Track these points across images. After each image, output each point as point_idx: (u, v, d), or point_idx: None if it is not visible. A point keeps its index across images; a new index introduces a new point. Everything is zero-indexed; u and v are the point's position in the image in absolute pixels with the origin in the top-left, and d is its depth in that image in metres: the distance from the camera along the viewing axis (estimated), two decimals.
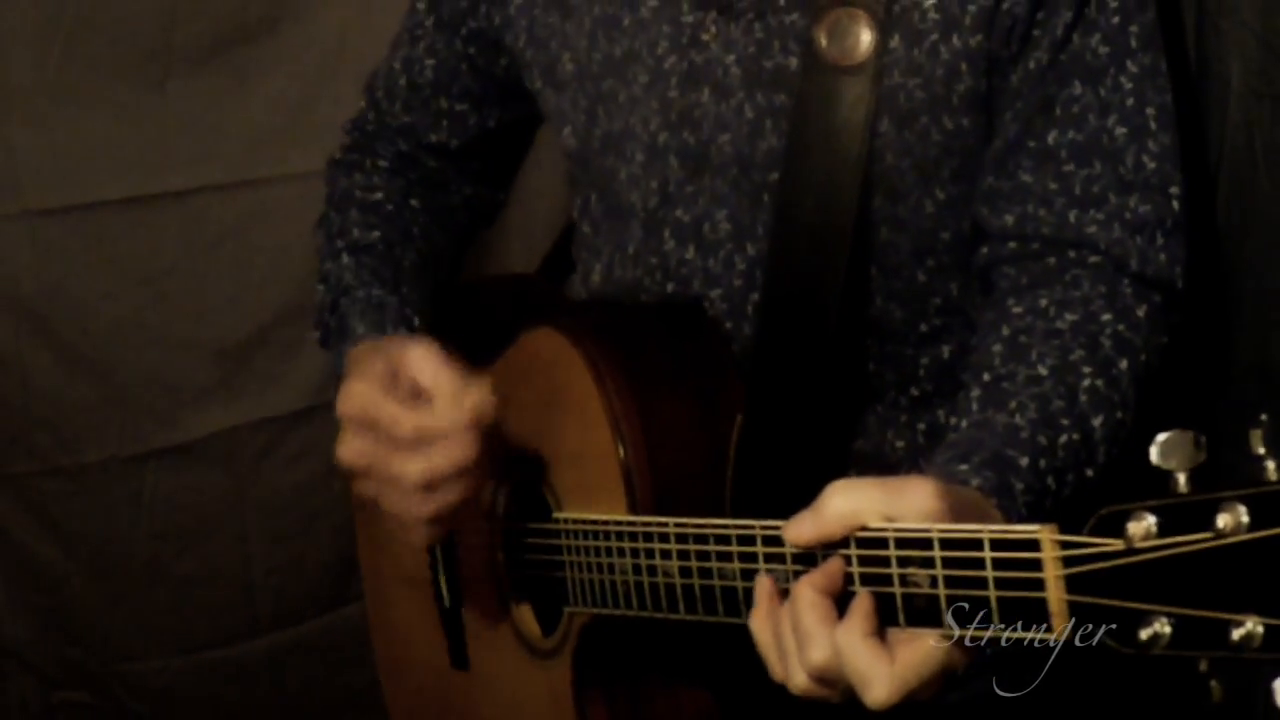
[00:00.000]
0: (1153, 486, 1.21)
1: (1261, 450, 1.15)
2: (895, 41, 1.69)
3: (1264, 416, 1.15)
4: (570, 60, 1.85)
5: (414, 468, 1.68)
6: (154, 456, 2.65)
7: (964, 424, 1.62)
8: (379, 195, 2.04)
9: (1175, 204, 1.71)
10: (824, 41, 1.70)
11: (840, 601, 1.41)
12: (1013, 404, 1.59)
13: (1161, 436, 1.20)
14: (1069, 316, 1.67)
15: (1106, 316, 1.67)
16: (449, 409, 1.67)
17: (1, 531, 2.62)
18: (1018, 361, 1.64)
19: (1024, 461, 1.54)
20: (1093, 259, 1.70)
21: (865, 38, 1.69)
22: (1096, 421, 1.61)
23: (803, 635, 1.41)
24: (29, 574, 2.65)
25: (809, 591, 1.41)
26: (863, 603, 1.39)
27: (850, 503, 1.41)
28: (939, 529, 1.36)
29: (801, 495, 1.70)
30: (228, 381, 2.67)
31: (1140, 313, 1.69)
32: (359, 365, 1.75)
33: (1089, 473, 1.60)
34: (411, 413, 1.68)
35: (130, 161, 2.56)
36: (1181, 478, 1.20)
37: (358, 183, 2.06)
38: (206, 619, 2.73)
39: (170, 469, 2.66)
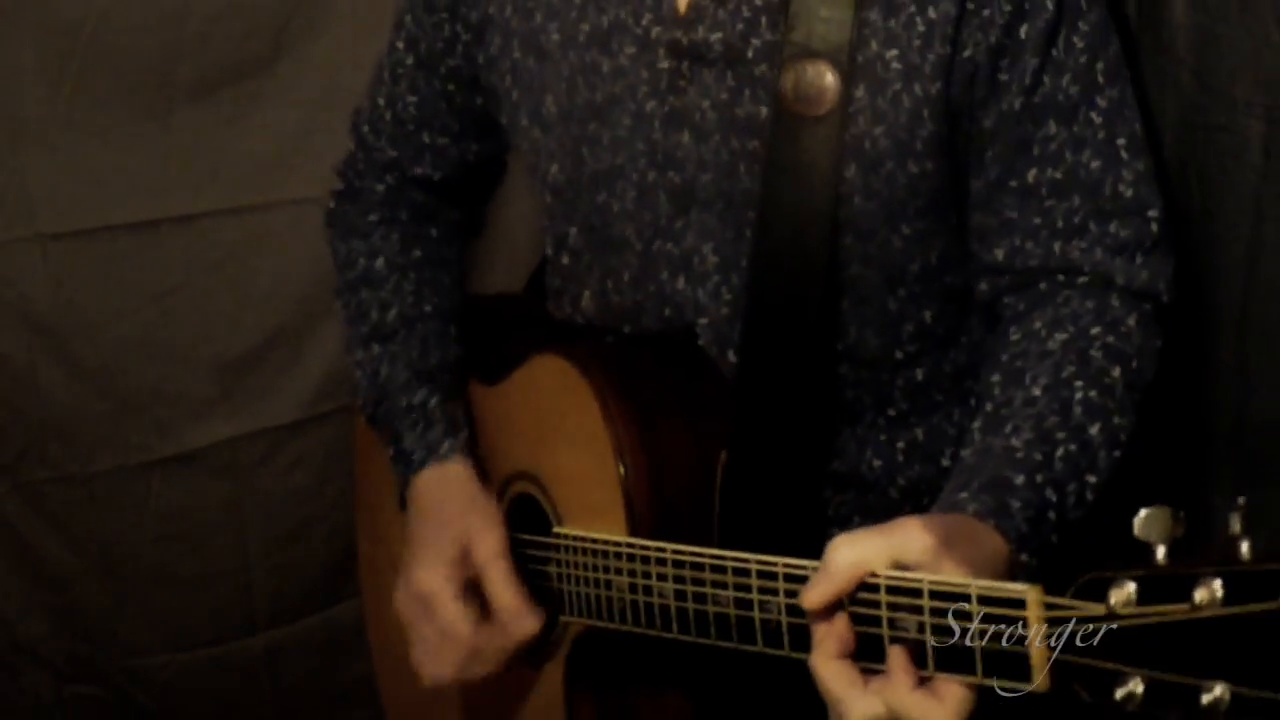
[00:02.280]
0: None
1: (1238, 530, 1.16)
2: (860, 90, 1.69)
3: (1241, 500, 1.16)
4: (553, 103, 1.84)
5: (451, 671, 1.83)
6: (159, 465, 2.64)
7: (965, 454, 1.62)
8: (381, 264, 2.04)
9: (1154, 225, 1.71)
10: (790, 92, 1.69)
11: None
12: (1008, 428, 1.60)
13: (1143, 511, 1.22)
14: (1059, 336, 1.67)
15: (1095, 330, 1.67)
16: (500, 637, 1.79)
17: (16, 535, 2.60)
18: (1015, 387, 1.65)
19: (1019, 480, 1.54)
20: (1080, 280, 1.71)
21: (830, 88, 1.68)
22: (1094, 430, 1.61)
23: (836, 703, 1.39)
24: (41, 575, 2.63)
25: (825, 662, 1.40)
26: (898, 657, 1.37)
27: (854, 553, 1.40)
28: (930, 579, 1.37)
29: (783, 516, 1.72)
30: (228, 395, 2.66)
31: (1131, 321, 1.69)
32: (426, 541, 1.85)
33: (1091, 479, 1.60)
34: (466, 626, 1.80)
35: (137, 187, 2.54)
36: (1161, 550, 1.21)
37: (358, 251, 2.06)
38: (208, 617, 2.72)
39: (174, 476, 2.65)
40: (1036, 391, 1.63)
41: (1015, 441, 1.58)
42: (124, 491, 2.63)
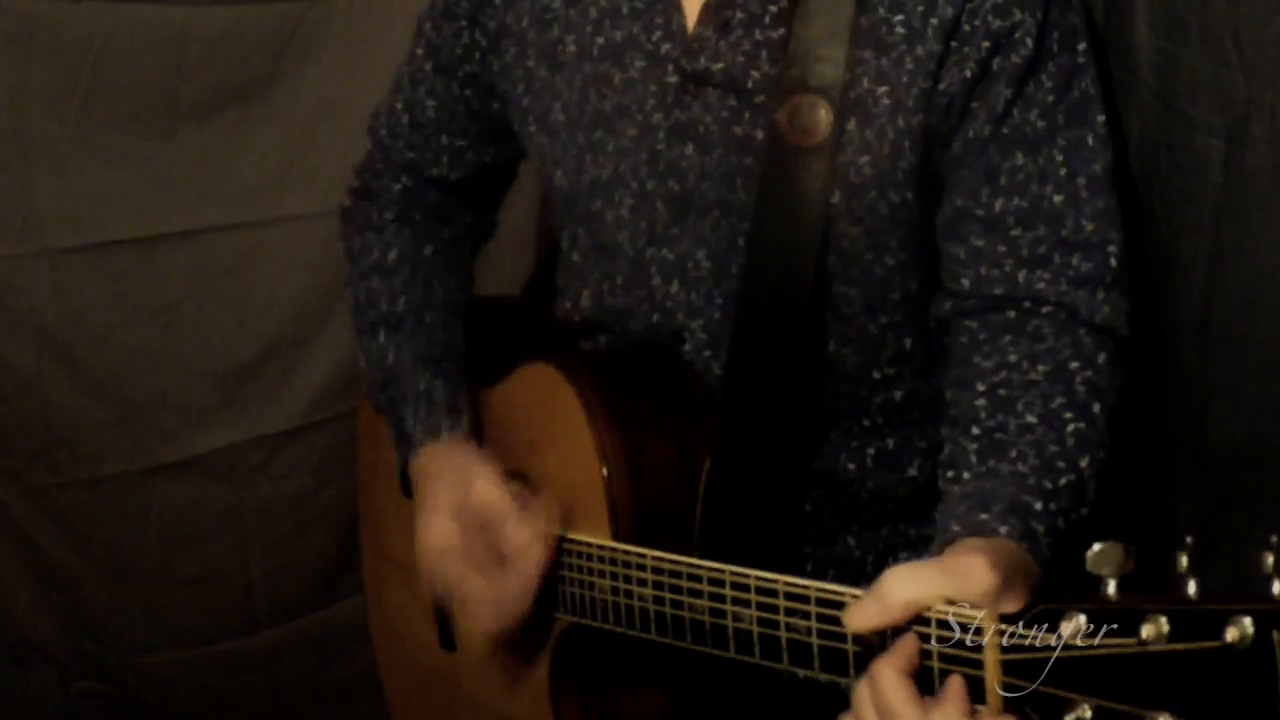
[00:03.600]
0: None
1: (1184, 570, 1.16)
2: (850, 124, 1.69)
3: (1188, 539, 1.16)
4: (561, 110, 1.84)
5: (490, 592, 1.75)
6: (162, 470, 2.64)
7: (965, 475, 1.59)
8: (394, 255, 2.03)
9: (1114, 261, 1.70)
10: (786, 123, 1.69)
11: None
12: (1013, 453, 1.57)
13: (1096, 546, 1.21)
14: (1041, 368, 1.65)
15: (1075, 364, 1.66)
16: (515, 532, 1.74)
17: (25, 538, 2.60)
18: (1005, 413, 1.62)
19: (1038, 506, 1.52)
20: (1045, 309, 1.69)
21: (823, 121, 1.68)
22: (1084, 462, 1.58)
23: (891, 716, 1.33)
24: (50, 576, 2.63)
25: (891, 673, 1.33)
26: (956, 685, 1.31)
27: (914, 589, 1.35)
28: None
29: (762, 518, 1.73)
30: (228, 403, 2.66)
31: (1101, 359, 1.68)
32: (431, 495, 1.82)
33: (1084, 511, 1.56)
34: (482, 540, 1.75)
35: (141, 204, 2.54)
36: (1112, 584, 1.20)
37: (372, 243, 2.05)
38: (209, 616, 2.72)
39: (176, 481, 2.65)
40: (1031, 419, 1.61)
41: (1022, 467, 1.56)
42: (129, 496, 2.63)
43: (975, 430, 1.62)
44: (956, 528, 1.50)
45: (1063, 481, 1.55)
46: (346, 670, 2.77)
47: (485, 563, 1.75)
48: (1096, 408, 1.64)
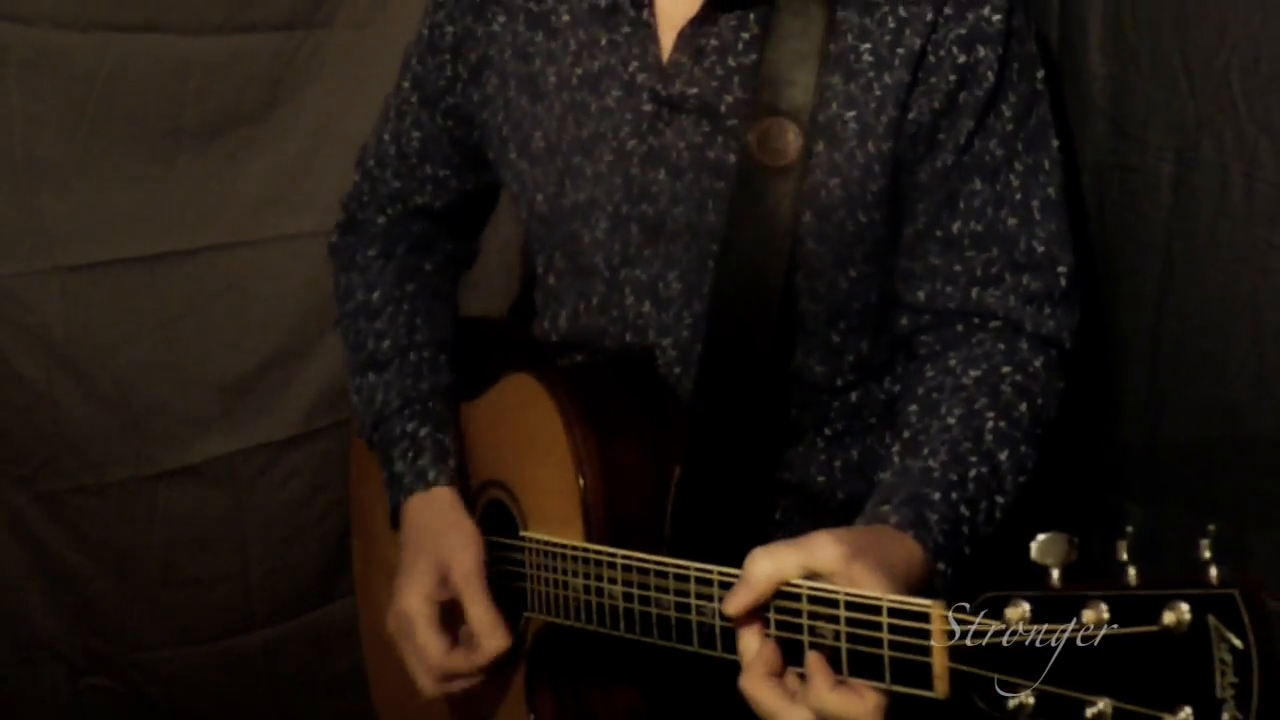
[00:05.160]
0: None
1: (1125, 558, 1.15)
2: (819, 146, 1.69)
3: (1129, 528, 1.15)
4: (541, 138, 1.84)
5: (430, 686, 1.83)
6: (166, 476, 2.61)
7: (885, 475, 1.62)
8: (377, 297, 2.02)
9: (1063, 279, 1.71)
10: (756, 146, 1.69)
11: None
12: (925, 450, 1.60)
13: (1040, 537, 1.20)
14: (973, 372, 1.67)
15: (1006, 369, 1.67)
16: (474, 655, 1.79)
17: (36, 540, 2.58)
18: (930, 416, 1.65)
19: (936, 496, 1.54)
20: (993, 324, 1.71)
21: (793, 143, 1.68)
22: (1003, 455, 1.61)
23: (771, 716, 1.40)
24: (59, 576, 2.62)
25: (756, 683, 1.41)
26: (816, 662, 1.37)
27: (770, 565, 1.40)
28: (845, 592, 1.36)
29: (729, 525, 1.72)
30: (229, 412, 2.64)
31: (1037, 364, 1.69)
32: (411, 560, 1.85)
33: (999, 499, 1.60)
34: (438, 651, 1.80)
35: (146, 223, 2.52)
36: (1055, 573, 1.20)
37: (356, 284, 2.05)
38: (210, 615, 2.70)
39: (180, 487, 2.63)
40: (951, 420, 1.63)
41: (932, 463, 1.59)
42: (134, 501, 2.61)
43: (906, 434, 1.65)
44: (859, 520, 1.55)
45: (972, 473, 1.58)
46: (341, 667, 2.75)
47: (442, 644, 1.80)
48: (1023, 406, 1.66)
